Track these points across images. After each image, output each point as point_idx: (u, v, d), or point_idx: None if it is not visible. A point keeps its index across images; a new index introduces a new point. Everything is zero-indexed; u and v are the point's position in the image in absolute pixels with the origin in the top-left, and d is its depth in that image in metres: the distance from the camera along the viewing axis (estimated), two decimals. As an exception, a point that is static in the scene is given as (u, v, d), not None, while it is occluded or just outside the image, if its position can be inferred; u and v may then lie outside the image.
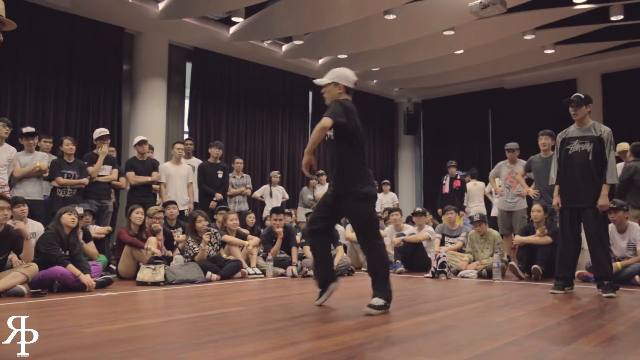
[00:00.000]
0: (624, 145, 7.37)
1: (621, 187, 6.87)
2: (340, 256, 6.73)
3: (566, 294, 4.84)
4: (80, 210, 5.91)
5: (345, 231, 7.87)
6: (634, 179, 6.86)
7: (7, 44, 9.38)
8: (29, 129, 6.75)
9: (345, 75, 4.03)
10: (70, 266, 4.96)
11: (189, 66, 11.13)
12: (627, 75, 12.58)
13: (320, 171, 10.72)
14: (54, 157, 6.82)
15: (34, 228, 5.57)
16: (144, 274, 5.60)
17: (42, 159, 6.60)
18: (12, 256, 5.06)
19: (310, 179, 10.34)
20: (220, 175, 8.02)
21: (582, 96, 4.97)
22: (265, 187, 9.69)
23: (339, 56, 12.40)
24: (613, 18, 9.66)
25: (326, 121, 3.77)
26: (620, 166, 7.06)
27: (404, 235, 7.40)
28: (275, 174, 9.75)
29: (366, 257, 4.09)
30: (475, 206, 9.84)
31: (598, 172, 4.81)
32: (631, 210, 6.69)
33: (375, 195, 4.05)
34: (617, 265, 5.59)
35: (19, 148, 6.83)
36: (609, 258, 4.98)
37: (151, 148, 8.08)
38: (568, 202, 4.96)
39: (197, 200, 8.05)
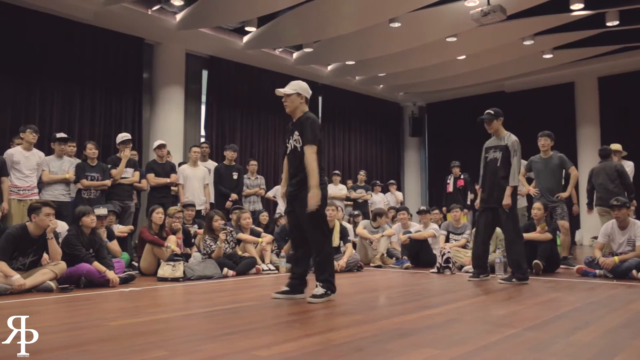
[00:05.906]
0: (616, 146, 7.42)
1: (588, 189, 7.22)
2: (349, 253, 6.71)
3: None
4: (103, 210, 5.95)
5: (358, 227, 7.85)
6: (591, 180, 7.03)
7: (35, 55, 9.42)
8: (62, 135, 6.77)
9: (305, 87, 4.28)
10: (96, 263, 5.01)
11: (205, 74, 11.19)
12: (622, 78, 12.45)
13: (336, 171, 10.72)
14: (79, 161, 6.88)
15: (61, 228, 5.62)
16: (164, 270, 5.63)
17: (70, 166, 6.63)
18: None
19: None
20: (235, 177, 8.03)
21: (492, 112, 5.39)
22: (278, 187, 9.68)
23: (346, 62, 12.39)
24: (609, 24, 9.58)
25: (314, 149, 3.97)
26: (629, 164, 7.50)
27: (410, 232, 7.38)
28: (286, 175, 9.73)
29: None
30: None
31: (504, 176, 5.22)
32: (597, 208, 6.85)
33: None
34: (615, 259, 5.56)
35: (47, 152, 6.89)
36: (524, 253, 5.31)
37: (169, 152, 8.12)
38: (484, 203, 5.42)
39: (213, 200, 8.06)
